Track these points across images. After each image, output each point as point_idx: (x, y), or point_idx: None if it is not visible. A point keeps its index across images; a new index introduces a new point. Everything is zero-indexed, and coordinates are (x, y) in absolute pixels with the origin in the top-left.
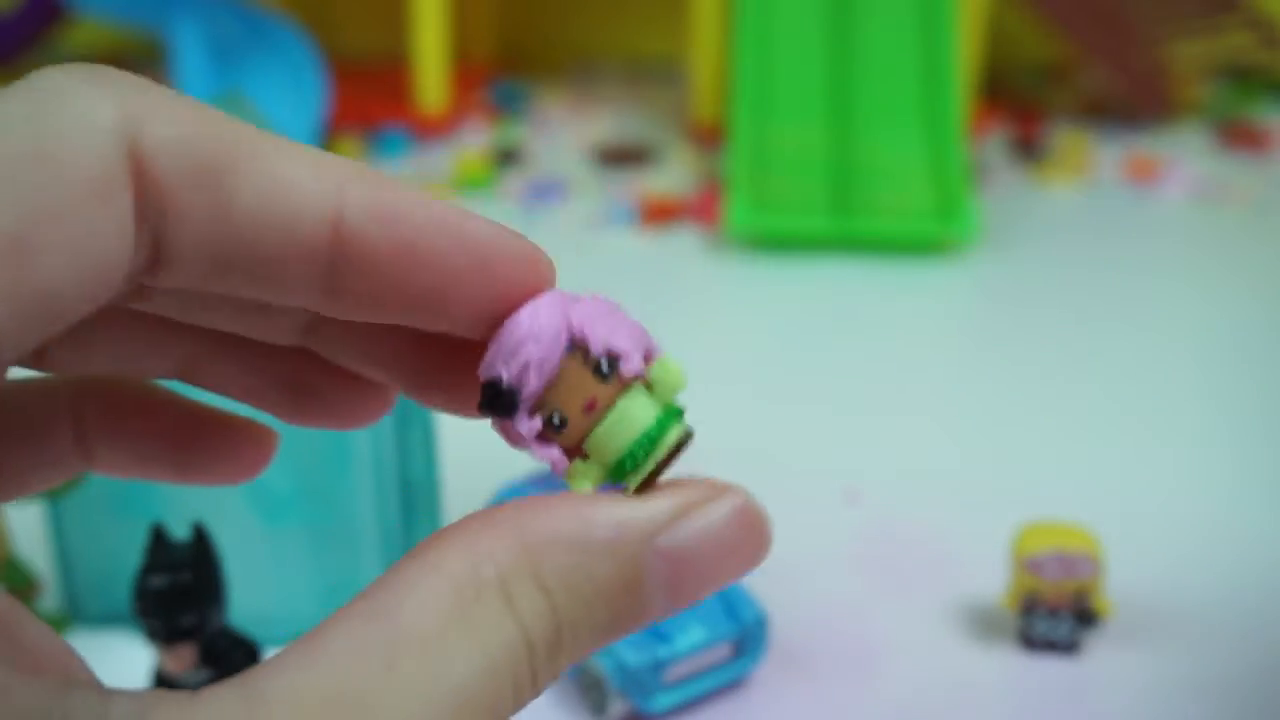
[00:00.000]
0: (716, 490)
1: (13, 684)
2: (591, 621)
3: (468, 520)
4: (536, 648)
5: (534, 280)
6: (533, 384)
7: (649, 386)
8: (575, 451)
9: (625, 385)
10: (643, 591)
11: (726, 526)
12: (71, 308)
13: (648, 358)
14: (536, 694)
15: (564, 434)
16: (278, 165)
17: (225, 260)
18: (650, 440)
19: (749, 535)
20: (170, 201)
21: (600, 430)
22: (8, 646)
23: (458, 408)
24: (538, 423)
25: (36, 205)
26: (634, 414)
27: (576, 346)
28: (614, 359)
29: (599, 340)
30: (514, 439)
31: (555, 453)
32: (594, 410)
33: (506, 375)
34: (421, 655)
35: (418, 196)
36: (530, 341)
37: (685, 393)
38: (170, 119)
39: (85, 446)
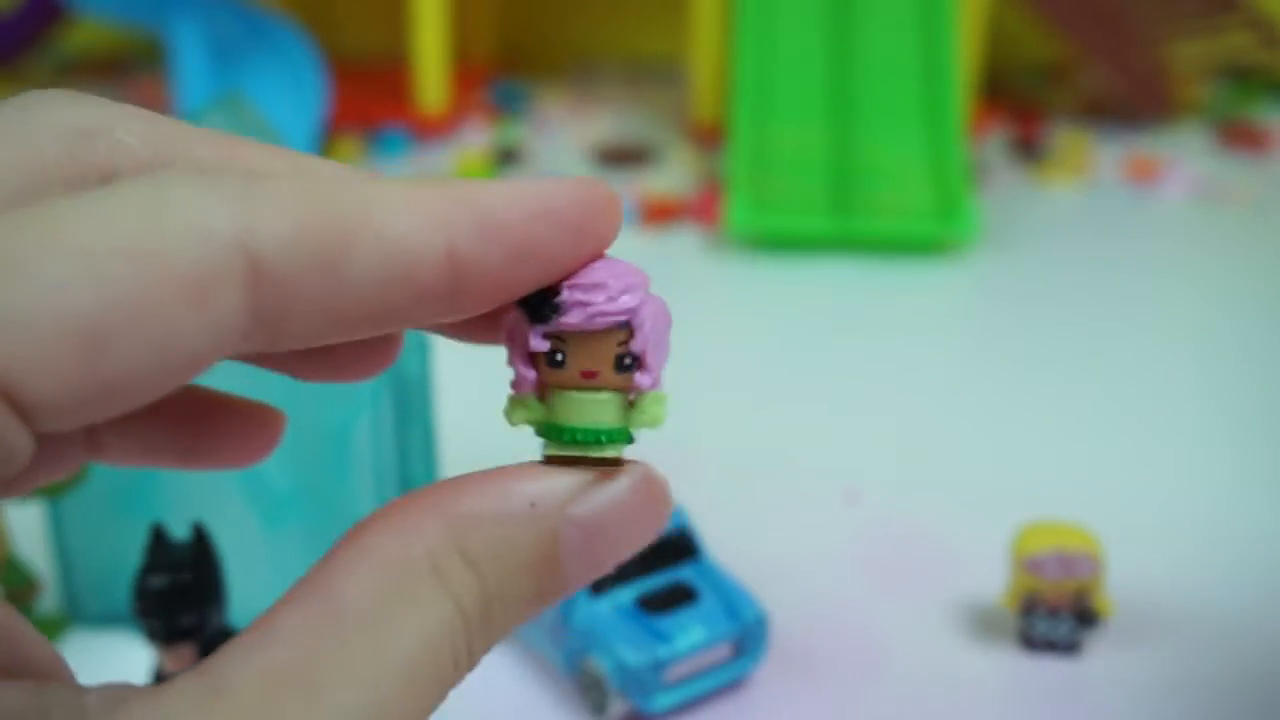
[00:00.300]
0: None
1: None
2: (517, 593)
3: (396, 502)
4: (470, 620)
5: (612, 226)
6: (573, 319)
7: (633, 403)
8: (540, 390)
9: (623, 386)
10: (560, 561)
11: (631, 494)
12: (135, 399)
13: (654, 384)
14: (473, 666)
15: (549, 372)
16: (388, 224)
17: (346, 324)
18: (595, 436)
19: (651, 502)
20: (290, 295)
21: (572, 395)
22: None
23: (474, 336)
24: (543, 346)
25: (122, 299)
26: (604, 410)
27: (626, 328)
28: (638, 364)
29: (642, 341)
30: (513, 337)
31: (530, 376)
32: (588, 379)
33: (566, 297)
34: (367, 633)
35: (506, 193)
36: (603, 294)
37: (672, 408)
38: (281, 213)
39: (93, 437)
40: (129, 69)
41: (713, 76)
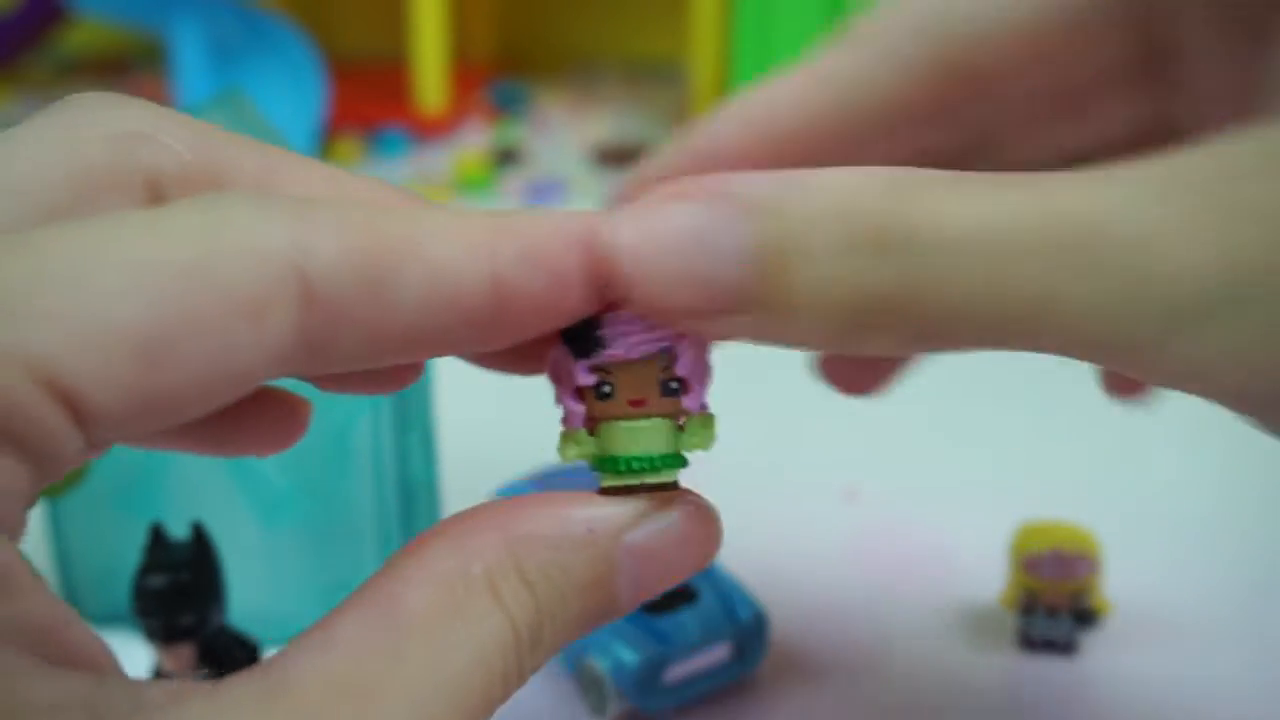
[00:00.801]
0: (674, 495)
1: (52, 676)
2: (567, 614)
3: (455, 519)
4: (522, 638)
5: None
6: (616, 351)
7: (682, 427)
8: (590, 424)
9: (671, 411)
10: (612, 585)
11: (684, 524)
12: (187, 412)
13: (701, 406)
14: (522, 683)
15: (598, 404)
16: (435, 250)
17: (388, 348)
18: (649, 464)
19: (703, 532)
20: (338, 317)
21: (622, 425)
22: (49, 645)
23: (508, 367)
24: (590, 380)
25: (179, 315)
26: (655, 436)
27: (668, 355)
28: (685, 388)
29: (685, 365)
30: (559, 375)
31: (579, 410)
32: (637, 408)
33: (607, 329)
34: (424, 646)
35: (549, 222)
36: (644, 323)
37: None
38: (334, 236)
39: None
40: (129, 69)
41: (713, 76)
